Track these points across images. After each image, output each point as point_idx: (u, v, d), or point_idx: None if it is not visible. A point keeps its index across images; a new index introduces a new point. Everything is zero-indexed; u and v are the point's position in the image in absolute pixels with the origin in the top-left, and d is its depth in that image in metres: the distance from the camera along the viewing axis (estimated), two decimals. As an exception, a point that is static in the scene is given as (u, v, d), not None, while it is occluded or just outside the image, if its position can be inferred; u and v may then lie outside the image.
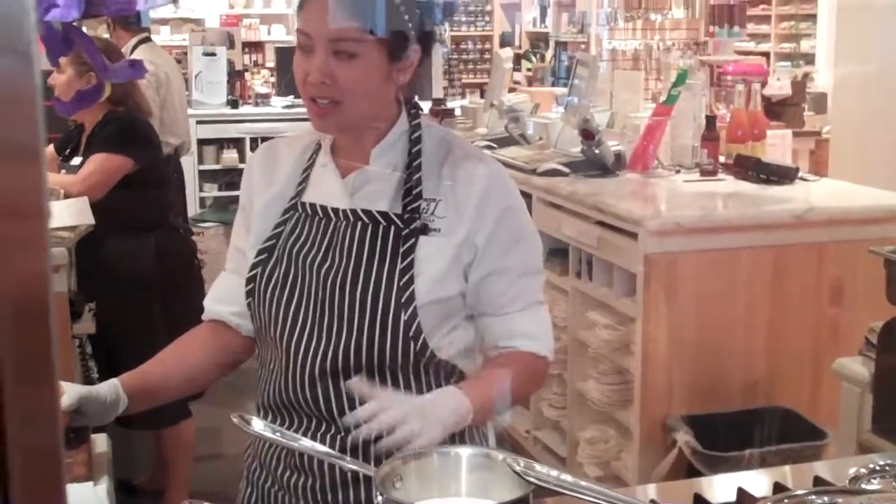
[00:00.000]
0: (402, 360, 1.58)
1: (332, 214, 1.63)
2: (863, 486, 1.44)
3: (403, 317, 1.55)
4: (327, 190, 1.65)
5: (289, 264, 1.62)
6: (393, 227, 1.58)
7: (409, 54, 1.58)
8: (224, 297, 1.73)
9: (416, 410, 1.42)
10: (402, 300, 1.55)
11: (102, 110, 3.43)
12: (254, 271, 1.64)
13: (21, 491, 0.63)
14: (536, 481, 1.20)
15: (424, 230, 1.58)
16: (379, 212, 1.60)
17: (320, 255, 1.61)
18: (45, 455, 0.65)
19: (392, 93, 1.62)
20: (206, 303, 1.77)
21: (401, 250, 1.56)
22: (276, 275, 1.63)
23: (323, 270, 1.59)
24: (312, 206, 1.65)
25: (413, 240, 1.57)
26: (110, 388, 1.58)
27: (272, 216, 1.68)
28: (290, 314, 1.60)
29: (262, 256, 1.64)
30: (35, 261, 0.62)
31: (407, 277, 1.55)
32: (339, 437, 1.58)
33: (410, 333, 1.56)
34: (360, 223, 1.60)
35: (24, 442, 0.63)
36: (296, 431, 1.57)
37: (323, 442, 1.54)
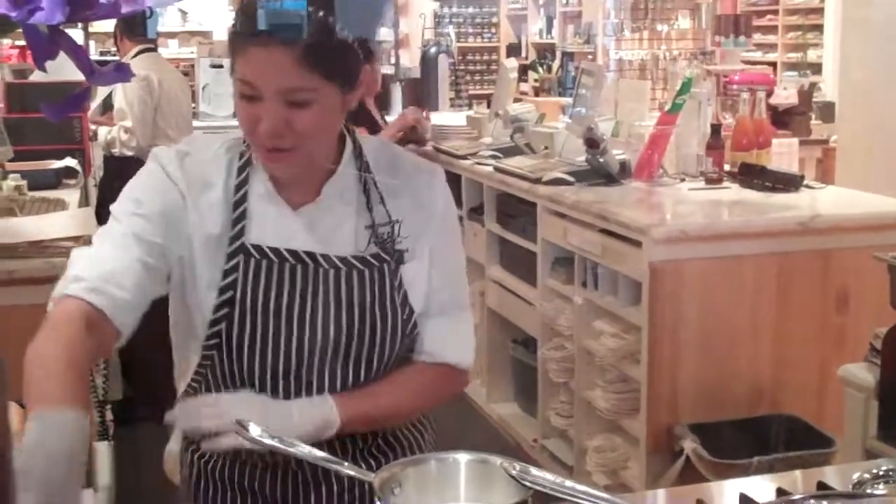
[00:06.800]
0: (399, 358, 1.65)
1: (306, 259, 1.56)
2: (867, 490, 1.43)
3: (407, 340, 1.62)
4: (282, 231, 1.57)
5: (265, 316, 1.55)
6: (376, 269, 1.59)
7: (360, 78, 1.53)
8: (110, 279, 1.47)
9: (259, 408, 1.48)
10: (408, 331, 1.61)
11: None
12: (216, 327, 1.55)
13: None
14: (532, 485, 1.20)
15: (401, 259, 1.61)
16: (362, 256, 1.58)
17: (309, 306, 1.56)
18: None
19: (342, 120, 1.59)
20: (84, 282, 1.45)
21: (395, 285, 1.60)
22: (248, 328, 1.55)
23: (319, 323, 1.56)
24: (275, 250, 1.56)
25: (399, 274, 1.60)
26: None
27: (214, 258, 1.56)
28: (281, 366, 1.56)
29: (224, 311, 1.55)
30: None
31: (408, 310, 1.61)
32: (335, 442, 1.58)
33: (411, 345, 1.64)
34: (342, 271, 1.57)
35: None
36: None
37: (320, 448, 1.53)
